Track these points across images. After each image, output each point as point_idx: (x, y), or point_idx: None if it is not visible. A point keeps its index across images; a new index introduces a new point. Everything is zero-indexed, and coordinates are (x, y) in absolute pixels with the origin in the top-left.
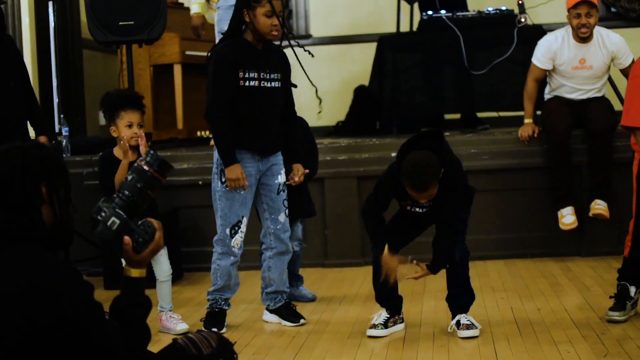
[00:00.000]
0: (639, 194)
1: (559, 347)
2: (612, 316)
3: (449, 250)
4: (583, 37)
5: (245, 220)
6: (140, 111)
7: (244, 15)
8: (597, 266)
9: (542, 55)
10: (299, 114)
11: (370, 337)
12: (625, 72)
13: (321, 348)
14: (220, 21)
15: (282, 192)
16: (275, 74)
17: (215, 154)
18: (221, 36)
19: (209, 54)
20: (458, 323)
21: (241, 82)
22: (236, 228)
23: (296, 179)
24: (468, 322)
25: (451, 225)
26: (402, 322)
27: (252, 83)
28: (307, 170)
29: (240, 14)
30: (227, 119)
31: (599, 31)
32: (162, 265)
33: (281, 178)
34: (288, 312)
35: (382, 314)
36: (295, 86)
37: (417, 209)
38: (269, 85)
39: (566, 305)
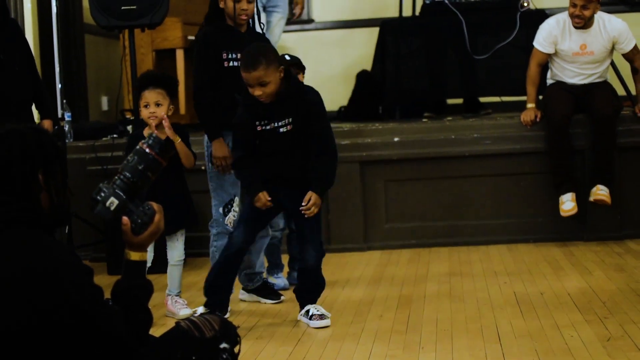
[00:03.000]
0: None
1: (562, 331)
2: None
3: (328, 171)
4: (576, 26)
5: (237, 200)
6: (161, 90)
7: (219, 1)
8: (599, 251)
9: (543, 39)
10: None
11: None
12: (627, 56)
13: (324, 333)
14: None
15: None
16: None
17: (205, 138)
18: None
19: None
20: (307, 313)
21: (225, 63)
22: (229, 207)
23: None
24: (319, 313)
25: (325, 149)
26: None
27: (235, 63)
28: None
29: (216, 1)
30: (212, 98)
31: (600, 16)
32: (176, 249)
33: None
34: (268, 291)
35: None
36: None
37: (275, 124)
38: None
39: (569, 290)
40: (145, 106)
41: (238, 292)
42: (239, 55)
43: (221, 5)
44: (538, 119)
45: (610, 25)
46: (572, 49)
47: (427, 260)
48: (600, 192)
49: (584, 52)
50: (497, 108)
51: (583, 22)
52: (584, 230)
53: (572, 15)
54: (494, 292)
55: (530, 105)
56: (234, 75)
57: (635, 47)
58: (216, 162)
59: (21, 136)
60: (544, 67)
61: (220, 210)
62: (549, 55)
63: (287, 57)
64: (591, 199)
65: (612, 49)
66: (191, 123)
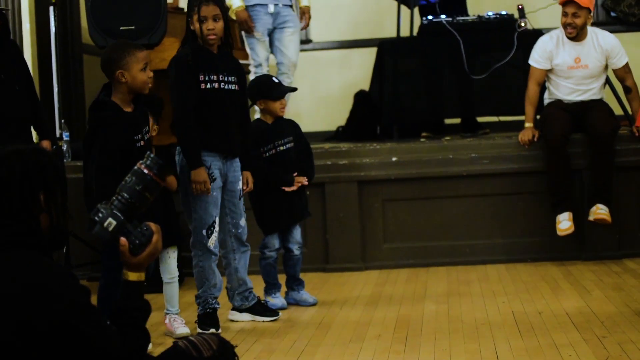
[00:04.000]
0: None
1: (560, 350)
2: None
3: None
4: (569, 36)
5: (217, 220)
6: (152, 114)
7: (190, 24)
8: (597, 270)
9: (539, 55)
10: (301, 119)
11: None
12: (618, 74)
13: (322, 353)
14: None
15: (242, 197)
16: (232, 77)
17: (179, 159)
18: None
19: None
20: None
21: (202, 85)
22: (212, 228)
23: (248, 187)
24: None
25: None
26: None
27: (212, 85)
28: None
29: (188, 22)
30: (192, 122)
31: (594, 31)
32: (169, 266)
33: (241, 184)
34: (263, 309)
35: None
36: (295, 89)
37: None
38: (227, 87)
39: (567, 309)
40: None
41: (227, 313)
42: (214, 77)
43: (192, 27)
44: (536, 139)
45: (604, 40)
46: (566, 62)
47: (425, 279)
48: (600, 211)
49: (579, 65)
50: (494, 128)
51: (576, 32)
52: (582, 250)
53: (564, 25)
54: (492, 312)
55: (528, 124)
56: (211, 97)
57: (627, 65)
58: (197, 187)
59: (22, 157)
60: (543, 88)
61: (204, 232)
62: (546, 74)
63: (276, 80)
64: (591, 218)
65: (607, 65)
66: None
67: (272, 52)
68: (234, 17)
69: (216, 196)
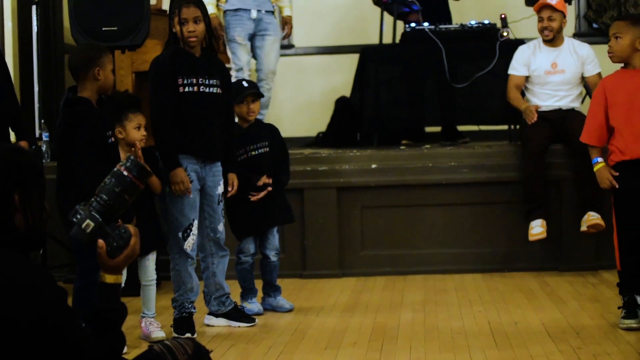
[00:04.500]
0: (616, 208)
1: None
2: (628, 324)
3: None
4: (546, 39)
5: (195, 223)
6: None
7: (172, 26)
8: (574, 281)
9: (517, 62)
10: (281, 124)
11: None
12: (591, 82)
13: (298, 359)
14: (228, 27)
15: (221, 202)
16: (214, 80)
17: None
18: (230, 42)
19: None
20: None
21: (180, 89)
22: (188, 231)
23: (233, 189)
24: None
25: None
26: None
27: (191, 89)
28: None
29: (170, 25)
30: (169, 125)
31: (571, 40)
32: (147, 269)
33: (220, 189)
34: (239, 314)
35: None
36: (261, 95)
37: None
38: (207, 90)
39: (543, 320)
40: (137, 128)
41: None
42: (194, 81)
43: (174, 30)
44: (538, 109)
45: (580, 47)
46: (543, 67)
47: (402, 288)
48: (593, 218)
49: (556, 70)
50: (475, 137)
51: (552, 34)
52: (559, 261)
53: (541, 30)
54: (468, 321)
55: (524, 105)
56: (189, 100)
57: (600, 75)
58: (175, 187)
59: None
60: (522, 93)
61: (180, 235)
62: (525, 81)
63: (245, 84)
64: (583, 228)
65: (583, 76)
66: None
67: (253, 56)
68: None
69: (193, 199)
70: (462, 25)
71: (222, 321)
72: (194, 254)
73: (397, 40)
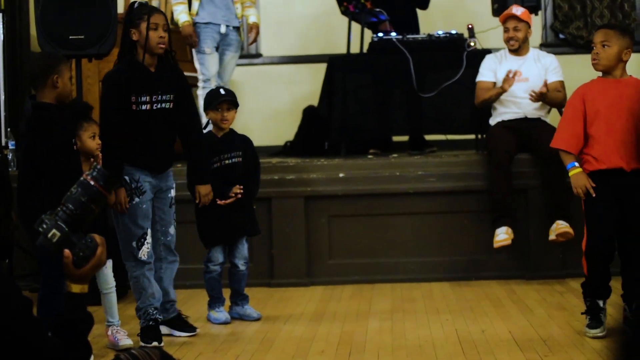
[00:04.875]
0: (588, 215)
1: None
2: (594, 334)
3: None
4: (512, 49)
5: (149, 232)
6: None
7: (131, 34)
8: (541, 289)
9: (484, 69)
10: (249, 133)
11: None
12: (551, 87)
13: None
14: (198, 38)
15: (173, 205)
16: (168, 95)
17: None
18: (199, 53)
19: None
20: None
21: (133, 107)
22: (142, 240)
23: (200, 202)
24: None
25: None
26: None
27: (144, 107)
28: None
29: (127, 34)
30: (117, 142)
31: (536, 50)
32: (106, 277)
33: (173, 192)
34: (182, 323)
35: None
36: (238, 105)
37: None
38: (159, 106)
39: (510, 328)
40: (92, 137)
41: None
42: (147, 98)
43: (134, 37)
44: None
45: (544, 57)
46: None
47: (370, 296)
48: (562, 226)
49: (520, 78)
50: (442, 146)
51: (518, 44)
52: (526, 269)
53: (507, 40)
54: (435, 330)
55: (497, 89)
56: (141, 118)
57: (562, 84)
58: (116, 207)
59: None
60: (487, 110)
61: (134, 244)
62: (493, 88)
63: (222, 92)
64: (552, 237)
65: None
66: None
67: None
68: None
69: (146, 209)
70: (429, 35)
71: (163, 329)
72: (149, 260)
73: (365, 49)
